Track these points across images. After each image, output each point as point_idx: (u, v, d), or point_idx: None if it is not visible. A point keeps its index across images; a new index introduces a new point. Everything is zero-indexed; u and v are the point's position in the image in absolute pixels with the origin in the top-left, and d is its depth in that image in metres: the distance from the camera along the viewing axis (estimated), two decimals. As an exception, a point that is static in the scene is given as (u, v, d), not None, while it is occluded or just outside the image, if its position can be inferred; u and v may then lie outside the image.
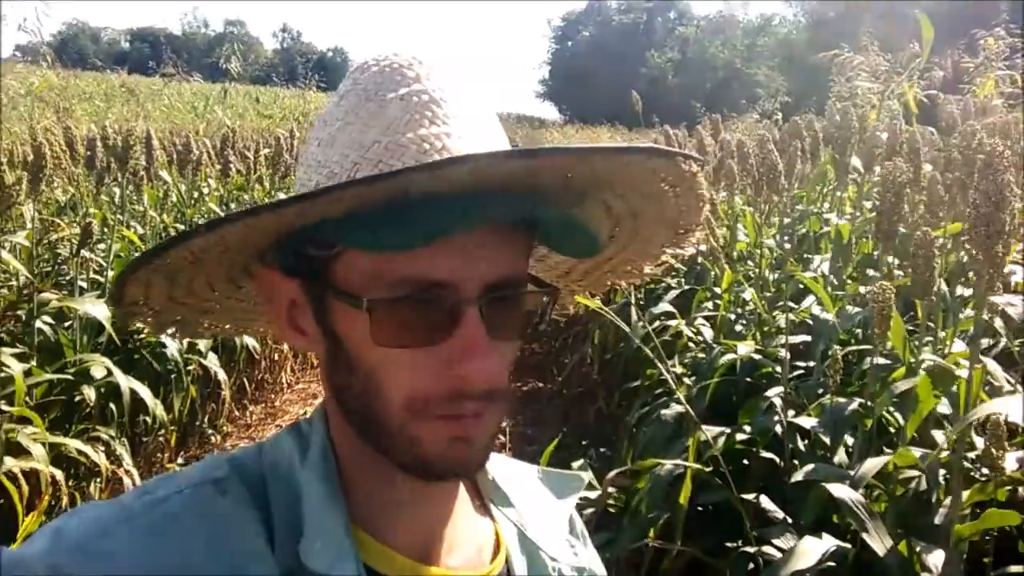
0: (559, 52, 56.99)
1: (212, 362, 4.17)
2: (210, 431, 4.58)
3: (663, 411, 2.65)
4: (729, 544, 2.33)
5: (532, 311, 0.63)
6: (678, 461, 2.30)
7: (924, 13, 3.67)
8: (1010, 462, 1.63)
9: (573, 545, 0.76)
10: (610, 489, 2.71)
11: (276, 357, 5.43)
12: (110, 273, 3.97)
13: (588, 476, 0.81)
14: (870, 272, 3.15)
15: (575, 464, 2.75)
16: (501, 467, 0.75)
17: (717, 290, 3.48)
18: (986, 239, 1.39)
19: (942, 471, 1.86)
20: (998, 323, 2.43)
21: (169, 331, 0.71)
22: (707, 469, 2.35)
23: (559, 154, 0.55)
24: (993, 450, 1.55)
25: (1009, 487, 1.56)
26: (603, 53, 46.73)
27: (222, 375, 4.22)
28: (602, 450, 3.24)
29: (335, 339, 0.60)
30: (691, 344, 3.43)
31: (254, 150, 6.10)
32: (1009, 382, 2.03)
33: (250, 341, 4.63)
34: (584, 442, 4.25)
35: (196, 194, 5.73)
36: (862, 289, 2.85)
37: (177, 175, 5.62)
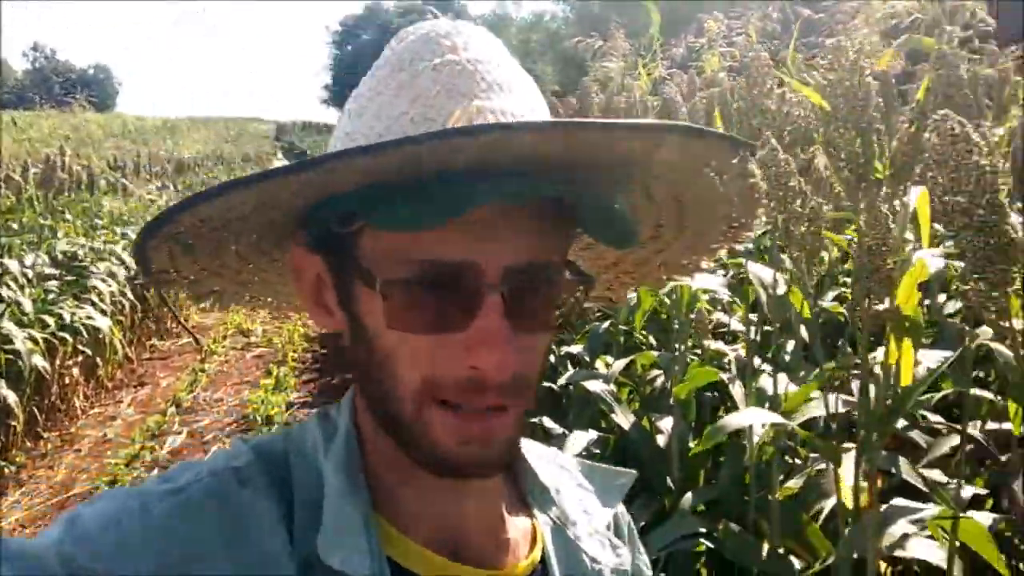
0: (340, 57, 56.45)
1: (-1, 386, 4.00)
2: (2, 463, 4.36)
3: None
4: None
5: (564, 301, 0.58)
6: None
7: (652, 2, 4.21)
8: (717, 344, 2.06)
9: (616, 546, 0.71)
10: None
11: (67, 381, 5.22)
12: None
13: (635, 473, 0.77)
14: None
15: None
16: (543, 459, 0.71)
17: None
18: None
19: (676, 367, 2.27)
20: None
21: (207, 302, 0.69)
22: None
23: (576, 128, 0.51)
24: (699, 333, 1.96)
25: (715, 359, 1.97)
26: (385, 56, 46.70)
27: (12, 398, 4.06)
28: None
29: (356, 320, 0.57)
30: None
31: (21, 170, 5.80)
32: (729, 296, 2.50)
33: (39, 362, 4.46)
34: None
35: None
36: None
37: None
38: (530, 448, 0.71)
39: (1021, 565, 1.49)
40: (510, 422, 0.56)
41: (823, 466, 1.52)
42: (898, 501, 1.31)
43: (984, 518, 1.48)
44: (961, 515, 1.23)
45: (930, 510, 1.26)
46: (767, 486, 1.61)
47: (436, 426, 0.54)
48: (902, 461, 1.39)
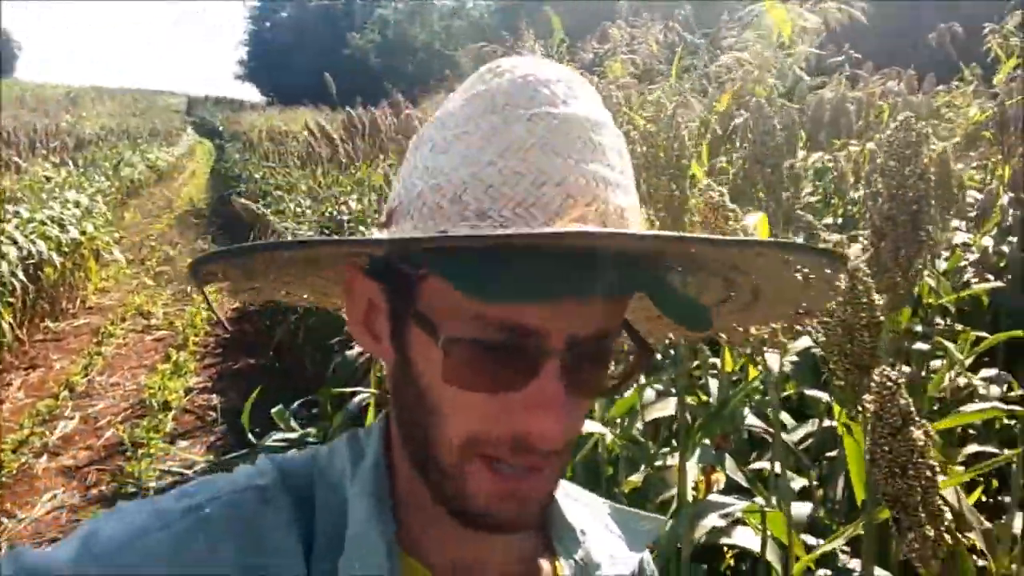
0: (257, 33, 55.01)
1: None
2: None
3: (347, 352, 3.03)
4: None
5: (625, 367, 0.60)
6: (363, 390, 2.69)
7: (554, 12, 4.37)
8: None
9: None
10: (309, 429, 3.07)
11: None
12: None
13: (662, 519, 0.78)
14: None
15: (274, 411, 3.06)
16: (570, 497, 0.70)
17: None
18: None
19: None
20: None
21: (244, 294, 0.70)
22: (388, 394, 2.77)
23: (694, 243, 0.53)
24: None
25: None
26: (304, 33, 45.94)
27: None
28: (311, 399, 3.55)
29: (407, 359, 0.57)
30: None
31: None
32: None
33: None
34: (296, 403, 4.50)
35: None
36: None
37: None
38: (559, 486, 0.68)
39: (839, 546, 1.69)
40: (547, 481, 0.57)
41: (666, 461, 1.69)
42: (714, 497, 1.48)
43: (804, 508, 1.68)
44: (766, 509, 1.40)
45: (738, 505, 1.43)
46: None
47: (474, 481, 0.54)
48: (728, 458, 1.57)
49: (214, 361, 6.10)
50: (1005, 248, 2.73)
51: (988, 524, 1.54)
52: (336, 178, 7.24)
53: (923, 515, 0.85)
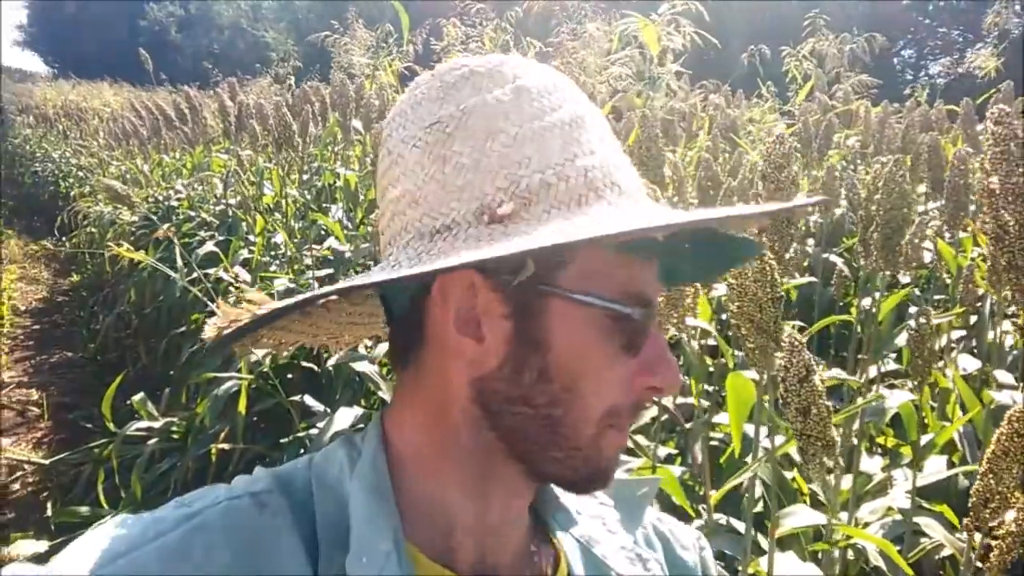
0: (36, -4, 49.96)
1: None
2: None
3: (216, 339, 3.02)
4: (283, 440, 2.84)
5: None
6: (233, 374, 2.72)
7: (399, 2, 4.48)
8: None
9: (645, 560, 0.71)
10: (171, 418, 3.04)
11: None
12: None
13: (658, 479, 0.79)
14: (374, 216, 3.90)
15: (135, 398, 3.00)
16: None
17: (251, 238, 3.91)
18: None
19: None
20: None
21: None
22: (260, 381, 2.82)
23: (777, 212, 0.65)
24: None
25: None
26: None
27: None
28: (157, 393, 3.47)
29: (534, 344, 0.57)
30: (232, 288, 3.83)
31: None
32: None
33: None
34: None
35: None
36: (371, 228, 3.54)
37: None
38: None
39: (700, 506, 1.98)
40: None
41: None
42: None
43: (675, 470, 1.95)
44: (658, 466, 1.65)
45: (635, 462, 1.67)
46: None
47: (607, 448, 0.59)
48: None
49: (27, 354, 5.68)
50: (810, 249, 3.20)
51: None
52: (159, 160, 6.92)
53: (821, 446, 1.09)
